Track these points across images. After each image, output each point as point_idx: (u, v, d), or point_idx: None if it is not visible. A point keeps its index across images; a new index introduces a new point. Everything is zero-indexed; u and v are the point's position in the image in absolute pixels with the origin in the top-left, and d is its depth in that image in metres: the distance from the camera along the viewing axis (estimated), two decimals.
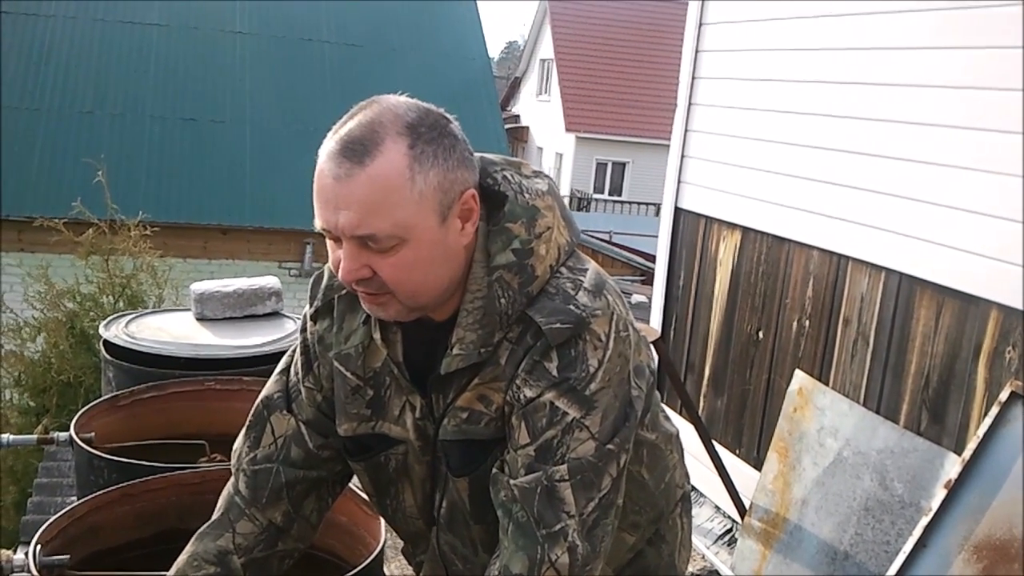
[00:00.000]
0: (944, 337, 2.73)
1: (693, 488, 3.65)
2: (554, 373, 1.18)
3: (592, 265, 1.27)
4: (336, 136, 1.14)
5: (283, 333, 2.96)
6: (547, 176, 1.30)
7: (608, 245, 13.27)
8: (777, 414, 2.98)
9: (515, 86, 26.97)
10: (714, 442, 3.37)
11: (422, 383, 1.28)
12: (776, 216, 3.49)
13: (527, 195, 1.24)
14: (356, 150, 1.12)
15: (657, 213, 14.68)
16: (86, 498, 1.92)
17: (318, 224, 1.17)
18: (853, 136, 3.10)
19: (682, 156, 4.12)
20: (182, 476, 1.99)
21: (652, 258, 8.04)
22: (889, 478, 2.55)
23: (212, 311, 3.07)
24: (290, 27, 11.78)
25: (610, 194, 22.27)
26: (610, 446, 1.20)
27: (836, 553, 2.64)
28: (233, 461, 1.44)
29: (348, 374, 1.33)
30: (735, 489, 3.30)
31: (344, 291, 1.32)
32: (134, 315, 3.12)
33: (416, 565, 1.51)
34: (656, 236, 4.47)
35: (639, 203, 20.65)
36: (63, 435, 2.33)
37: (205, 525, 1.42)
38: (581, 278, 1.23)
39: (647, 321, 4.41)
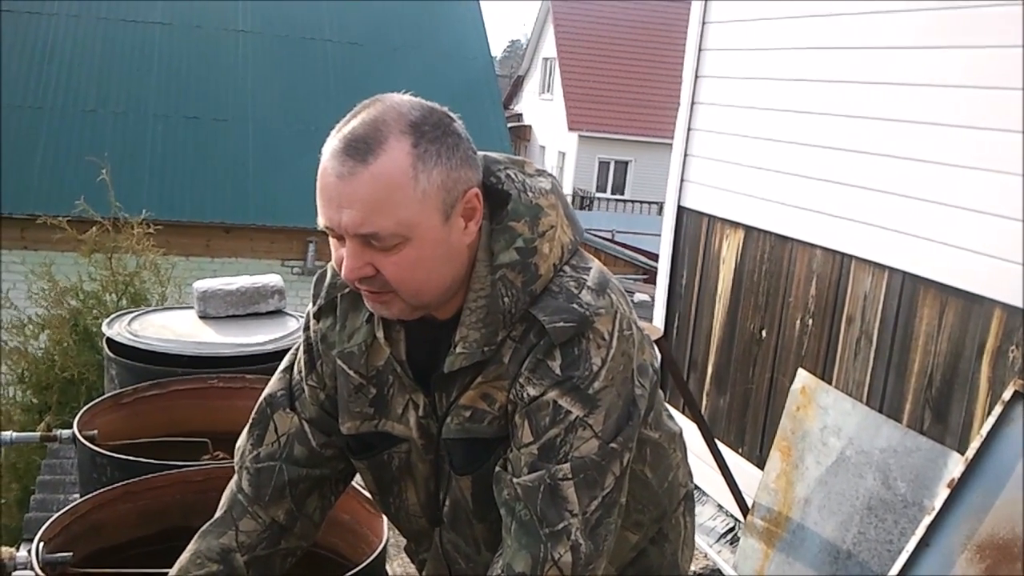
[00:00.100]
0: (947, 336, 2.73)
1: (696, 487, 3.65)
2: (557, 372, 1.18)
3: (595, 263, 1.27)
4: (340, 134, 1.14)
5: (286, 331, 2.96)
6: (550, 174, 1.30)
7: (611, 244, 13.28)
8: (780, 413, 2.98)
9: (518, 85, 26.97)
10: (717, 441, 3.37)
11: (425, 381, 1.28)
12: (779, 215, 3.48)
13: (530, 194, 1.24)
14: (360, 148, 1.12)
15: (660, 212, 14.68)
16: (89, 495, 1.92)
17: (321, 222, 1.17)
18: (856, 135, 3.09)
19: (685, 155, 4.11)
20: (185, 474, 2.00)
21: (655, 257, 8.03)
22: (892, 477, 2.55)
23: (215, 309, 3.07)
24: (293, 26, 11.78)
25: (613, 193, 22.26)
26: (613, 445, 1.19)
27: (839, 552, 2.64)
28: (236, 459, 1.44)
29: (351, 372, 1.33)
30: (738, 488, 3.30)
31: (347, 289, 1.32)
32: (137, 313, 3.13)
33: (419, 563, 1.51)
34: (659, 235, 4.46)
35: (642, 202, 20.64)
36: (66, 432, 2.33)
37: (208, 523, 1.42)
38: (584, 276, 1.23)
39: (650, 319, 4.41)
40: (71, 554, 1.71)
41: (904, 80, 2.92)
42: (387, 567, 1.89)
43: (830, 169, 3.20)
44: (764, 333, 3.59)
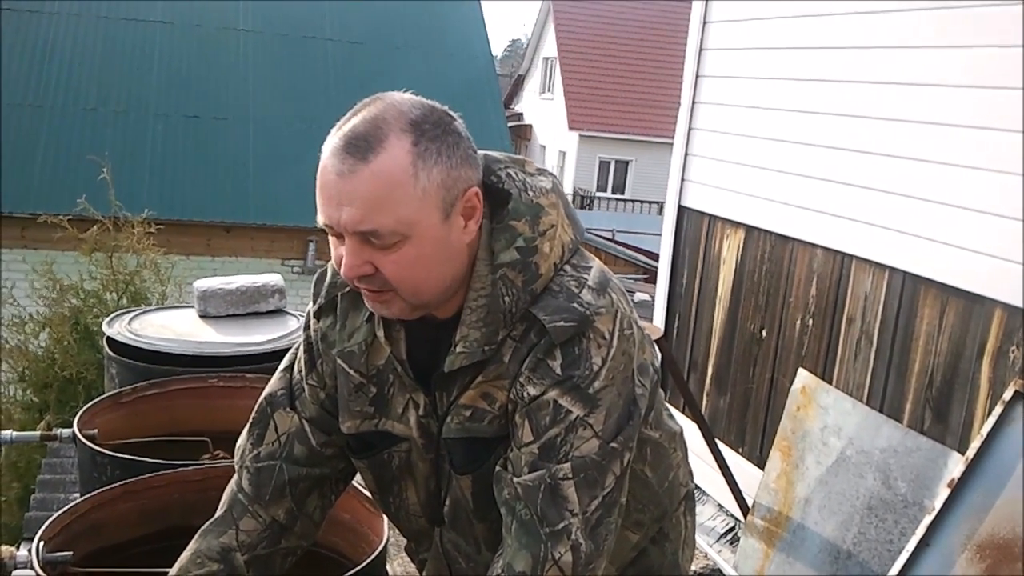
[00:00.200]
0: (948, 336, 2.72)
1: (696, 486, 3.65)
2: (558, 371, 1.17)
3: (596, 263, 1.27)
4: (340, 132, 1.14)
5: (286, 330, 2.96)
6: (551, 174, 1.30)
7: (611, 243, 13.28)
8: (780, 413, 2.98)
9: (518, 84, 26.97)
10: (717, 440, 3.37)
11: (425, 381, 1.28)
12: (779, 214, 3.48)
13: (531, 193, 1.24)
14: (360, 146, 1.11)
15: (660, 211, 14.67)
16: (89, 495, 1.92)
17: (321, 220, 1.16)
18: (856, 135, 3.09)
19: (685, 154, 4.11)
20: (185, 473, 1.99)
21: (655, 256, 8.04)
22: (892, 477, 2.55)
23: (215, 308, 3.07)
24: (293, 25, 11.79)
25: (613, 192, 22.27)
26: (614, 444, 1.19)
27: (839, 552, 2.64)
28: (236, 458, 1.44)
29: (351, 371, 1.33)
30: (738, 488, 3.30)
31: (347, 288, 1.31)
32: (137, 312, 3.13)
33: (419, 563, 1.51)
34: (659, 234, 4.46)
35: (642, 201, 20.65)
36: (66, 431, 2.33)
37: (208, 522, 1.42)
38: (585, 276, 1.22)
39: (650, 319, 4.40)
40: (71, 553, 1.71)
41: (904, 80, 2.92)
42: (387, 567, 1.89)
43: (831, 169, 3.20)
44: (764, 333, 3.59)
